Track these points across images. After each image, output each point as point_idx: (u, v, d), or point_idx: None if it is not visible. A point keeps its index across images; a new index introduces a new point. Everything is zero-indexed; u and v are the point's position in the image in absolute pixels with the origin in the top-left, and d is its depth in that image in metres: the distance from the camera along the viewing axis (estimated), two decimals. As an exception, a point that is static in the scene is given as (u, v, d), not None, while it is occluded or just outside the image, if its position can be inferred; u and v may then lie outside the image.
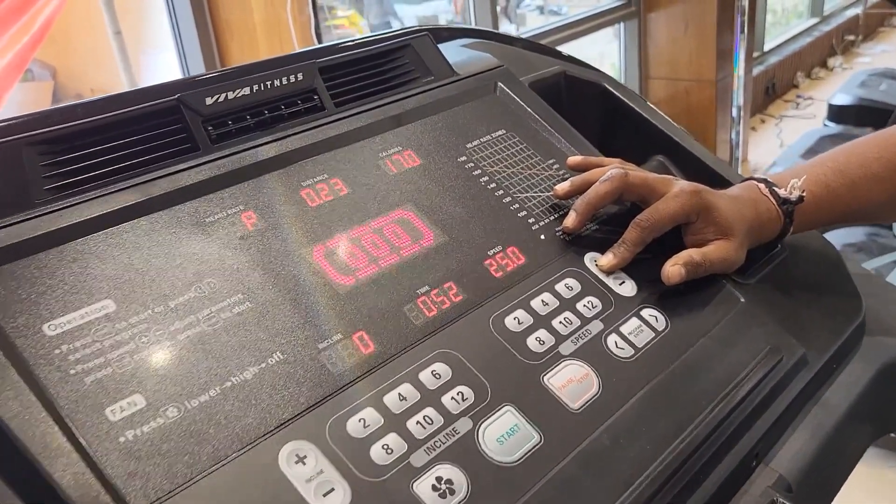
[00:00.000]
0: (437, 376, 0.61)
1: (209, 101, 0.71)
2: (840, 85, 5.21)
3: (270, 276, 0.63)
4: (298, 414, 0.56)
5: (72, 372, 0.53)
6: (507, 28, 4.43)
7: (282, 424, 0.56)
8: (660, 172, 0.96)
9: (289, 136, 0.74)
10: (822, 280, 0.89)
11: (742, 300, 0.78)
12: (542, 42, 1.15)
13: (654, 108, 1.01)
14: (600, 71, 1.06)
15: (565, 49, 1.15)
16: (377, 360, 0.61)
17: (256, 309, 0.61)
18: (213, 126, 0.71)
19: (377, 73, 0.84)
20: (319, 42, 2.43)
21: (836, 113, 4.88)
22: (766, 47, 5.88)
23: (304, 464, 0.54)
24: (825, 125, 4.97)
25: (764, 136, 5.29)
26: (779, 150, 4.73)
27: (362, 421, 0.57)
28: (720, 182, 0.93)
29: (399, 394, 0.60)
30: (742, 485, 0.69)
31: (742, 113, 2.00)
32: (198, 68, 2.57)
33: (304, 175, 0.72)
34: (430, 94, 0.85)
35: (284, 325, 0.61)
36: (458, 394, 0.61)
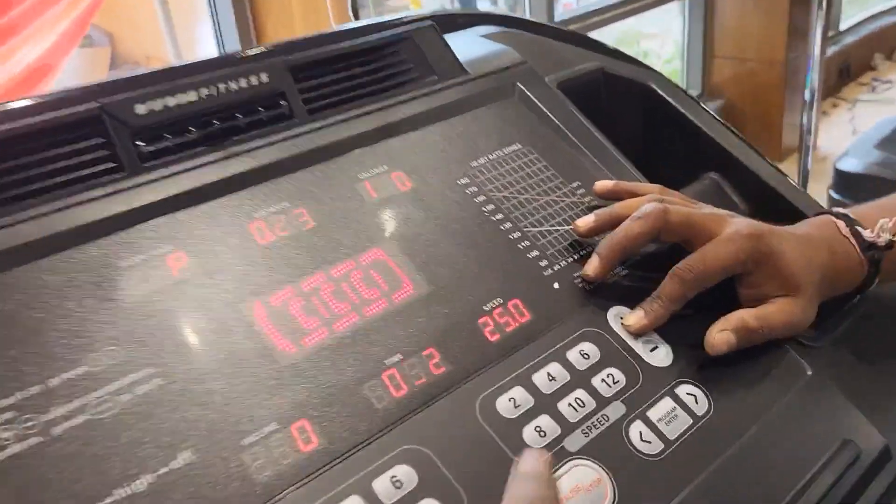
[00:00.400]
0: (398, 485, 0.47)
1: (141, 109, 0.57)
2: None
3: (193, 340, 0.50)
4: (204, 542, 0.43)
5: None
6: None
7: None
8: (712, 194, 0.80)
9: (244, 152, 0.60)
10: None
11: (808, 372, 0.62)
12: (596, 20, 0.98)
13: (711, 113, 0.84)
14: (648, 67, 0.89)
15: (623, 25, 0.97)
16: (321, 459, 0.47)
17: (166, 388, 0.47)
18: (145, 141, 0.57)
19: (364, 74, 0.69)
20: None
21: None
22: (842, 26, 5.53)
23: None
24: (907, 112, 4.62)
25: (836, 121, 4.98)
26: (852, 136, 4.43)
27: (289, 552, 0.43)
28: (789, 212, 0.76)
29: (343, 514, 0.45)
30: None
31: (816, 96, 1.79)
32: (233, 44, 2.45)
33: (259, 203, 0.58)
34: (431, 98, 0.70)
35: (201, 412, 0.47)
36: None
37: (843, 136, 4.56)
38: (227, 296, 0.52)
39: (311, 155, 0.62)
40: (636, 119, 0.86)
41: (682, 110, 0.83)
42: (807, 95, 1.80)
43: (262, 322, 0.52)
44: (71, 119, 0.55)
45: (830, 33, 4.96)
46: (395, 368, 0.52)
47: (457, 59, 0.74)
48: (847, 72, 5.36)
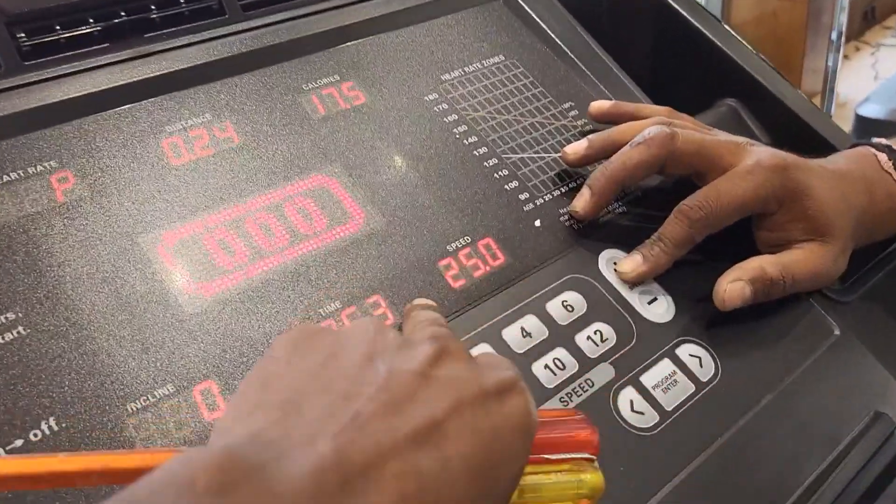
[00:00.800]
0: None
1: (23, -7, 0.46)
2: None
3: (75, 280, 0.40)
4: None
5: None
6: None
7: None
8: (729, 122, 0.69)
9: (157, 52, 0.49)
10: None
11: (836, 331, 0.51)
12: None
13: (730, 30, 0.72)
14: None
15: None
16: (227, 431, 0.37)
17: (32, 339, 0.37)
18: (27, 32, 0.46)
19: (317, -37, 0.57)
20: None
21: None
22: (869, -33, 5.30)
23: None
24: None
25: (857, 66, 4.80)
26: (874, 82, 4.26)
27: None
28: (818, 146, 0.65)
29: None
30: None
31: (842, 38, 1.66)
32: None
33: (173, 115, 0.47)
34: (399, -3, 0.59)
35: (77, 370, 0.37)
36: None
37: (865, 81, 4.37)
38: (125, 226, 0.42)
39: (244, 59, 0.51)
40: (645, 36, 0.75)
41: (697, 24, 0.72)
42: (833, 36, 1.66)
43: (166, 260, 0.42)
44: (-66, 3, 0.44)
45: (855, -26, 4.74)
46: (331, 320, 0.42)
47: (432, -46, 0.62)
48: (872, 14, 5.14)
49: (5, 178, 0.42)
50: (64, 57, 0.46)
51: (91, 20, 0.47)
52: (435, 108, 0.54)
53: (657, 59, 0.75)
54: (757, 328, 0.50)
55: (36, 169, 0.42)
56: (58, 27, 0.47)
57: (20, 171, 0.42)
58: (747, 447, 0.44)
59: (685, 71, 0.74)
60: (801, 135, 0.67)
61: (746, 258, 0.50)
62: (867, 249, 0.58)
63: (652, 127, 0.50)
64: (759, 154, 0.51)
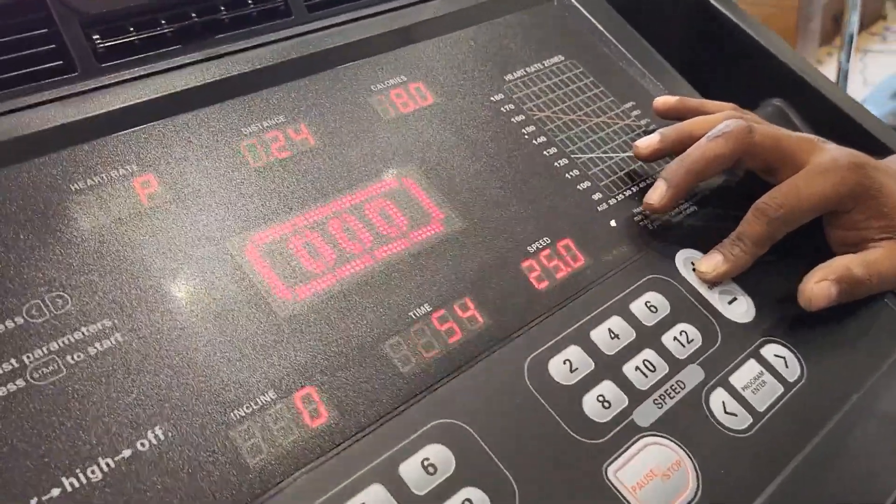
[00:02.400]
0: (431, 470, 0.37)
1: (97, -7, 0.45)
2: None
3: (165, 286, 0.39)
4: (182, 547, 0.32)
5: None
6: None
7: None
8: (779, 122, 0.68)
9: (228, 53, 0.48)
10: None
11: (911, 325, 0.51)
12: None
13: (774, 34, 0.72)
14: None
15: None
16: (333, 438, 0.37)
17: (130, 348, 0.36)
18: (102, 34, 0.45)
19: (377, -36, 0.57)
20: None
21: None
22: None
23: None
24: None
25: (830, 71, 4.84)
26: (863, 88, 4.30)
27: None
28: (869, 146, 0.65)
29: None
30: None
31: (854, 39, 1.66)
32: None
33: (249, 117, 0.47)
34: (456, -2, 0.58)
35: (178, 376, 0.36)
36: (464, 502, 0.36)
37: (854, 87, 4.42)
38: (211, 230, 0.41)
39: (312, 60, 0.50)
40: (683, 35, 0.74)
41: (741, 25, 0.71)
42: (847, 38, 1.66)
43: (255, 264, 0.41)
44: (6, 3, 0.43)
45: (838, -21, 4.79)
46: (423, 322, 0.41)
47: (486, -46, 0.61)
48: (840, 20, 5.18)
49: (89, 181, 0.40)
50: (138, 59, 0.45)
51: (163, 21, 0.46)
52: (502, 109, 0.53)
53: (697, 59, 0.75)
54: (836, 328, 0.49)
55: (118, 172, 0.41)
56: (131, 28, 0.46)
57: (103, 175, 0.41)
58: (841, 447, 0.44)
59: (729, 71, 0.73)
60: (851, 135, 0.67)
61: (818, 254, 0.49)
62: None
63: (729, 121, 0.50)
64: (833, 152, 0.50)
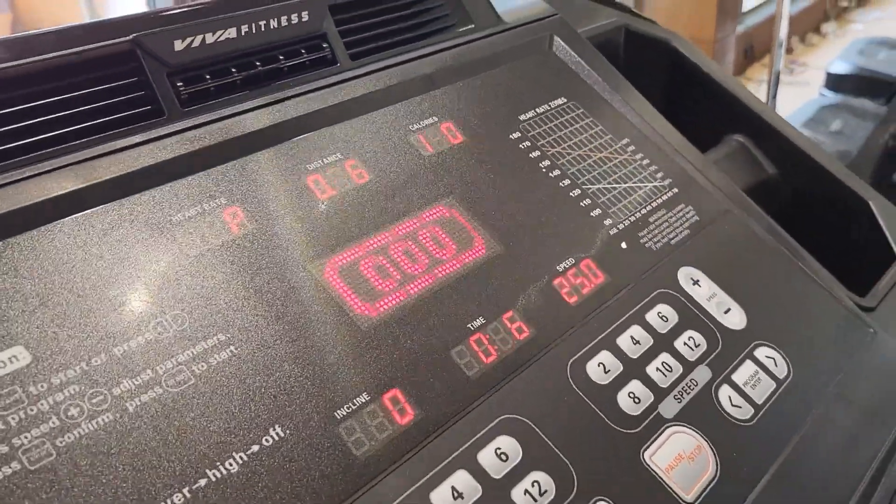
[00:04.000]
0: (504, 457, 0.43)
1: (179, 45, 0.50)
2: (838, 53, 5.05)
3: (263, 304, 0.44)
4: (308, 528, 0.38)
5: (-46, 472, 0.33)
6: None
7: (283, 543, 0.37)
8: (739, 155, 0.78)
9: (288, 98, 0.54)
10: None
11: (871, 329, 0.60)
12: None
13: (734, 78, 0.82)
14: (665, 28, 0.86)
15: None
16: (418, 434, 0.42)
17: (243, 357, 0.41)
18: (185, 82, 0.50)
19: (404, 18, 0.63)
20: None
21: (835, 82, 4.71)
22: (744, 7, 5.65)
23: None
24: (822, 94, 4.81)
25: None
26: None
27: (402, 535, 0.39)
28: (821, 177, 0.74)
29: (453, 487, 0.41)
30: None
31: (778, 69, 1.79)
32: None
33: (311, 154, 0.52)
34: (471, 47, 0.65)
35: (286, 382, 0.41)
36: (532, 485, 0.42)
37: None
38: (295, 255, 0.47)
39: (358, 103, 0.56)
40: (658, 78, 0.83)
41: (707, 71, 0.81)
42: (773, 76, 1.80)
43: (335, 284, 0.46)
44: (102, 53, 0.48)
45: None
46: (480, 333, 0.48)
47: (492, 7, 0.69)
48: (751, 51, 5.49)
49: (187, 213, 0.46)
50: (213, 103, 0.51)
51: (233, 70, 0.52)
52: (520, 146, 0.60)
53: (669, 99, 0.84)
54: (811, 332, 0.58)
55: (210, 205, 0.46)
56: (207, 77, 0.51)
57: (197, 208, 0.46)
58: (822, 436, 0.52)
59: (695, 110, 0.83)
60: (804, 166, 0.77)
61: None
62: (880, 262, 0.67)
63: None
64: None
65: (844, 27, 6.39)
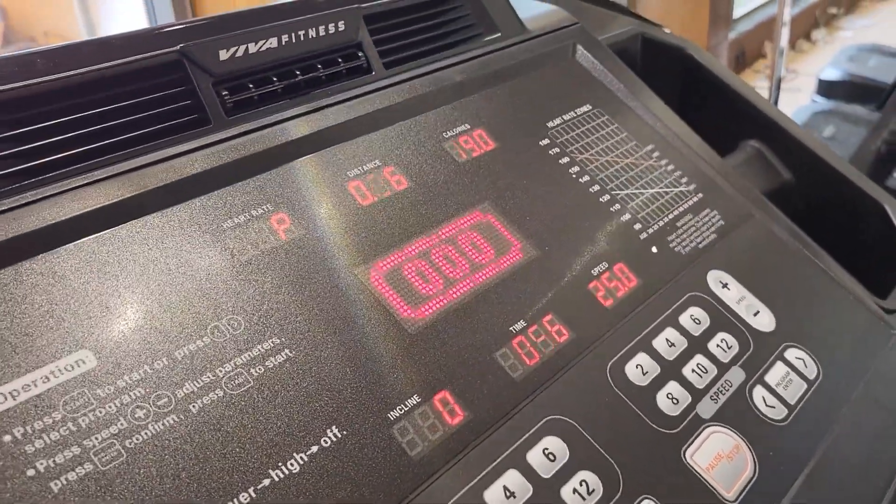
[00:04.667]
0: (551, 457, 0.44)
1: (224, 54, 0.51)
2: (828, 59, 5.10)
3: (313, 308, 0.45)
4: (368, 527, 0.38)
5: (30, 473, 0.34)
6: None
7: (344, 542, 0.37)
8: (756, 160, 0.79)
9: (328, 105, 0.55)
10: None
11: (894, 331, 0.62)
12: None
13: (748, 84, 0.83)
14: (678, 36, 0.88)
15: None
16: (469, 435, 0.43)
17: (298, 361, 0.42)
18: (229, 91, 0.51)
19: (434, 27, 0.64)
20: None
21: (826, 88, 4.76)
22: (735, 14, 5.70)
23: None
24: (814, 100, 4.86)
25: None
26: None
27: (460, 533, 0.39)
28: (835, 181, 0.76)
29: (504, 486, 0.42)
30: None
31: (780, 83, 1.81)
32: (166, 16, 2.32)
33: (350, 161, 0.53)
34: (499, 55, 0.66)
35: (339, 384, 0.42)
36: (580, 484, 0.43)
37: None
38: (341, 260, 0.48)
39: (394, 111, 0.57)
40: (673, 85, 0.85)
41: (723, 78, 0.82)
42: (774, 82, 1.82)
43: (380, 288, 0.47)
44: (149, 64, 0.48)
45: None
46: (522, 335, 0.49)
47: (517, 16, 0.70)
48: (742, 58, 5.54)
49: (236, 220, 0.46)
50: (256, 112, 0.51)
51: (274, 79, 0.53)
52: (549, 152, 0.61)
53: (685, 106, 0.85)
54: (835, 330, 0.59)
55: (257, 212, 0.47)
56: (250, 86, 0.52)
57: (245, 215, 0.47)
58: (853, 436, 0.53)
59: (711, 116, 0.84)
60: (819, 171, 0.78)
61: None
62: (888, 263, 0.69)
63: None
64: None
65: (834, 34, 6.44)
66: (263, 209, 0.48)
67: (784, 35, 1.65)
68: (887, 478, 0.52)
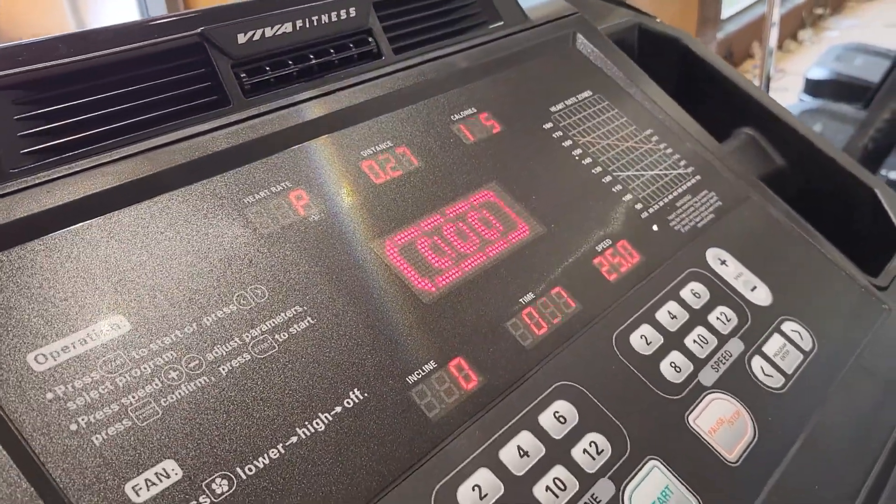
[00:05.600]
0: (562, 420, 0.46)
1: (242, 38, 0.52)
2: (815, 59, 5.15)
3: (333, 279, 0.47)
4: (394, 480, 0.40)
5: (73, 428, 0.36)
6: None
7: (374, 495, 0.39)
8: (750, 147, 0.81)
9: (341, 88, 0.57)
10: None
11: (886, 306, 0.64)
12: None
13: (742, 74, 0.85)
14: (675, 27, 0.90)
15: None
16: (485, 397, 0.45)
17: (320, 328, 0.44)
18: (247, 73, 0.53)
19: (440, 14, 0.66)
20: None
21: (814, 87, 4.80)
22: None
23: (403, 553, 0.38)
24: (801, 99, 4.90)
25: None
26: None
27: (476, 489, 0.41)
28: (828, 168, 0.78)
29: (518, 446, 0.44)
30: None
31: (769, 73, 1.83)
32: (159, 10, 2.32)
33: (363, 142, 0.55)
34: (502, 42, 0.68)
35: (359, 350, 0.44)
36: (590, 445, 0.45)
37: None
38: (357, 234, 0.49)
39: (404, 94, 0.59)
40: (670, 75, 0.87)
41: (718, 68, 0.85)
42: (764, 79, 1.84)
43: (395, 261, 0.49)
44: (171, 46, 0.50)
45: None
46: (531, 307, 0.51)
47: (519, 5, 0.72)
48: (730, 58, 5.59)
49: (256, 195, 0.48)
50: (272, 93, 0.53)
51: (290, 62, 0.55)
52: (553, 135, 0.63)
53: (682, 95, 0.87)
54: (831, 305, 0.61)
55: (277, 188, 0.49)
56: (267, 68, 0.54)
57: (266, 191, 0.49)
58: (848, 403, 0.55)
59: (708, 105, 0.86)
60: (812, 158, 0.80)
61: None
62: (887, 245, 0.71)
63: None
64: None
65: (820, 34, 6.51)
66: (282, 186, 0.49)
67: (773, 34, 1.67)
68: (880, 440, 0.55)
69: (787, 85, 5.35)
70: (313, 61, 0.56)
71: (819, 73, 4.77)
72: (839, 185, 0.79)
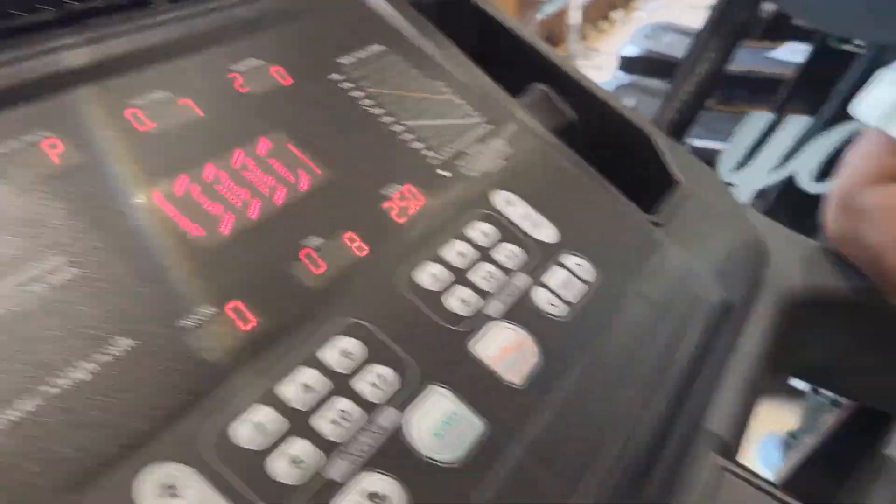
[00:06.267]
0: (348, 355, 0.46)
1: (-17, -22, 0.49)
2: (627, 38, 5.45)
3: (99, 228, 0.44)
4: (163, 425, 0.39)
5: None
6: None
7: (139, 443, 0.38)
8: (543, 101, 0.85)
9: (105, 37, 0.54)
10: (720, 214, 0.82)
11: (657, 237, 0.69)
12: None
13: (534, 34, 0.89)
14: (469, -13, 0.92)
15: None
16: (263, 338, 0.45)
17: (85, 278, 0.42)
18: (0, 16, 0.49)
19: (218, -37, 0.64)
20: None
21: (627, 64, 5.07)
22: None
23: (179, 496, 0.37)
24: (615, 76, 5.16)
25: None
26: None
27: (257, 426, 0.41)
28: (604, 113, 0.83)
29: (302, 383, 0.43)
30: (687, 453, 0.60)
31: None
32: None
33: (134, 91, 0.53)
34: (286, -5, 0.67)
35: (127, 297, 0.42)
36: (378, 377, 0.46)
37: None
38: (127, 183, 0.47)
39: (180, 44, 0.57)
40: (464, 37, 0.89)
41: (509, 26, 0.87)
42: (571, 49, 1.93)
43: (167, 209, 0.47)
44: None
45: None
46: (315, 249, 0.50)
47: (304, -40, 0.71)
48: (551, 40, 5.84)
49: (5, 146, 0.45)
50: (32, 38, 0.50)
51: (45, 5, 0.51)
52: (341, 86, 0.63)
53: (476, 53, 0.90)
54: (611, 243, 0.65)
55: (28, 138, 0.46)
56: (15, 12, 0.50)
57: (15, 141, 0.45)
58: (630, 320, 0.59)
59: (501, 63, 0.89)
60: (600, 111, 0.85)
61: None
62: (662, 187, 0.76)
63: None
64: None
65: (630, 14, 6.90)
66: (33, 136, 0.46)
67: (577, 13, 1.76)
68: (658, 356, 0.59)
69: (601, 64, 5.64)
70: (75, 4, 0.53)
71: (631, 51, 5.05)
72: (620, 131, 0.83)
